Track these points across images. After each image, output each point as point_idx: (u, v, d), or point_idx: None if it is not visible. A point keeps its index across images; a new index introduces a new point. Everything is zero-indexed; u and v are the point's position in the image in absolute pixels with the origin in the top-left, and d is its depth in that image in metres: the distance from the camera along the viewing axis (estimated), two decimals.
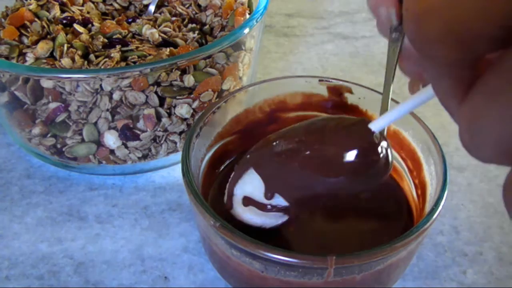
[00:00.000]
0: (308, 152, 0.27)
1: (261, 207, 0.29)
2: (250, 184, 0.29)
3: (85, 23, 0.43)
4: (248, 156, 0.29)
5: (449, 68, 0.16)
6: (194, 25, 0.45)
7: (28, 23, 0.42)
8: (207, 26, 0.46)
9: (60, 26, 0.41)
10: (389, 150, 0.26)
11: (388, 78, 0.28)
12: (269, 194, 0.28)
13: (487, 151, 0.15)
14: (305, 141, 0.27)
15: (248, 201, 0.29)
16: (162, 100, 0.38)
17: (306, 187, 0.27)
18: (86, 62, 0.39)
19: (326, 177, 0.26)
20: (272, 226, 0.29)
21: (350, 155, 0.26)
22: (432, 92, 0.19)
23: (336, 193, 0.27)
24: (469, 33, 0.14)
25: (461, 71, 0.16)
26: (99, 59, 0.39)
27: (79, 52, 0.39)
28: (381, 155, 0.26)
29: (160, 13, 0.47)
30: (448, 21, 0.14)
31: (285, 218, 0.29)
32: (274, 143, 0.28)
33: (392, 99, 0.31)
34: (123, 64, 0.39)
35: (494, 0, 0.13)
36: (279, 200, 0.28)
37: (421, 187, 0.34)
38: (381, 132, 0.26)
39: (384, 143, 0.26)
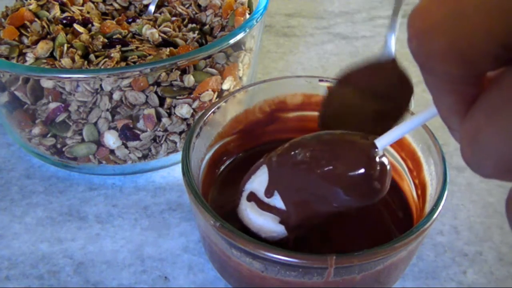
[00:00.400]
0: (313, 160, 0.27)
1: (260, 204, 0.29)
2: (259, 179, 0.30)
3: (85, 23, 0.43)
4: (266, 155, 0.30)
5: (451, 84, 0.16)
6: (194, 25, 0.45)
7: (28, 23, 0.42)
8: (207, 26, 0.46)
9: (60, 26, 0.41)
10: (388, 168, 0.26)
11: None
12: (270, 191, 0.29)
13: (488, 168, 0.15)
14: (314, 149, 0.28)
15: (251, 196, 0.30)
16: (162, 100, 0.38)
17: (304, 192, 0.28)
18: (86, 62, 0.39)
19: (323, 183, 0.27)
20: (268, 237, 0.30)
21: (349, 167, 0.26)
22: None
23: (330, 203, 0.27)
24: (472, 51, 0.14)
25: (463, 87, 0.16)
26: (99, 59, 0.39)
27: (79, 52, 0.39)
28: (378, 171, 0.26)
29: (160, 13, 0.47)
30: (451, 38, 0.14)
31: (281, 229, 0.29)
32: (290, 148, 0.29)
33: None
34: (123, 64, 0.39)
35: (495, 19, 0.13)
36: (277, 201, 0.29)
37: (421, 187, 0.34)
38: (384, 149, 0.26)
39: (384, 160, 0.26)
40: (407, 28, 0.16)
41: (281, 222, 0.29)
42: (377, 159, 0.26)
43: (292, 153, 0.28)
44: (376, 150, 0.26)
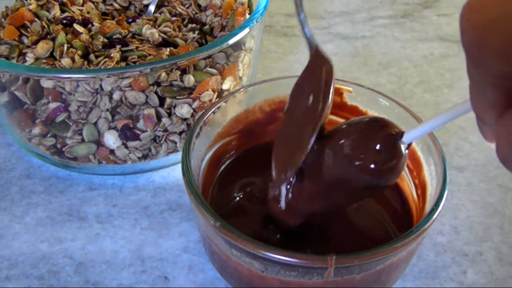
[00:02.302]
0: (339, 141, 0.27)
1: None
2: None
3: (85, 23, 0.43)
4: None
5: (497, 79, 0.16)
6: (194, 25, 0.45)
7: (28, 23, 0.42)
8: (207, 26, 0.46)
9: (60, 26, 0.41)
10: (404, 160, 0.26)
11: None
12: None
13: None
14: (342, 131, 0.28)
15: None
16: (162, 100, 0.38)
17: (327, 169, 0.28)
18: (86, 62, 0.39)
19: (346, 160, 0.27)
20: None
21: (371, 148, 0.26)
22: (467, 107, 0.19)
23: (342, 182, 0.28)
24: None
25: (508, 84, 0.16)
26: (99, 59, 0.39)
27: (79, 52, 0.39)
28: (399, 160, 0.26)
29: (160, 13, 0.47)
30: (511, 37, 0.14)
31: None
32: (329, 134, 0.29)
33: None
34: (123, 64, 0.39)
35: None
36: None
37: (421, 187, 0.34)
38: (409, 144, 0.27)
39: (405, 152, 0.26)
40: (461, 19, 0.15)
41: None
42: (400, 146, 0.26)
43: (329, 134, 0.29)
44: (401, 139, 0.26)
